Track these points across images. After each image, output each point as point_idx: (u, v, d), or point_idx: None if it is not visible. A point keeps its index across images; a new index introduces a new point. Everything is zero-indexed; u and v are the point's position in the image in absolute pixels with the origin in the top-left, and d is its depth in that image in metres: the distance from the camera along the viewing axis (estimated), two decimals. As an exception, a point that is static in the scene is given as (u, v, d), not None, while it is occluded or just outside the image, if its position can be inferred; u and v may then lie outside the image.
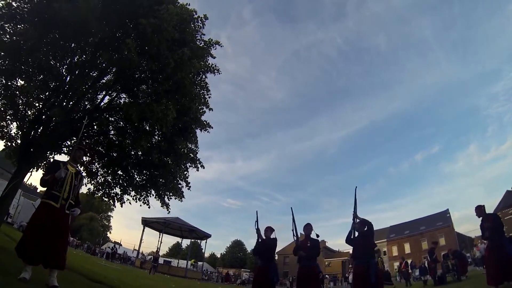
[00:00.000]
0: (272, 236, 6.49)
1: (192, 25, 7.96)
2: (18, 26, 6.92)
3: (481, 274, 10.95)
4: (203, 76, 8.77)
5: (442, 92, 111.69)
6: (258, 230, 6.52)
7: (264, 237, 6.45)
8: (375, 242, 6.11)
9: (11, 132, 8.20)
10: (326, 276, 42.73)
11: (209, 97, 8.88)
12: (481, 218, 7.06)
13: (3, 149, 8.37)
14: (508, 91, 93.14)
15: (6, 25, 6.80)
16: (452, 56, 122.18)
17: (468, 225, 62.23)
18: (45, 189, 4.30)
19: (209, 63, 8.61)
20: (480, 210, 7.10)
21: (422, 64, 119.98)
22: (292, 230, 6.17)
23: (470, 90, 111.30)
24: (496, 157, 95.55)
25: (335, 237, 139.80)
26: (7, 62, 6.93)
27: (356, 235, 5.72)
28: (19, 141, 7.99)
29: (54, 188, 4.14)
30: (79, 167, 5.10)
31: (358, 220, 5.71)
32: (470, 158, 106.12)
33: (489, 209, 7.23)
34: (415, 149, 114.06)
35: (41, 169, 8.48)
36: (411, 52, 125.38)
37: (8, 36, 6.84)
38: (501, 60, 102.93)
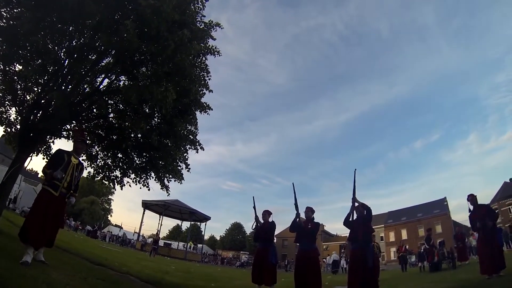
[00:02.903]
0: (270, 219, 6.58)
1: (192, 7, 7.79)
2: (15, 10, 6.77)
3: (476, 262, 11.12)
4: (203, 58, 8.62)
5: (443, 79, 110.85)
6: (256, 218, 6.62)
7: (262, 221, 6.54)
8: (373, 227, 6.17)
9: (11, 118, 8.16)
10: (324, 260, 43.45)
11: (209, 79, 8.77)
12: (471, 208, 7.12)
13: (2, 135, 8.35)
14: (510, 82, 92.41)
15: (2, 10, 6.66)
16: (454, 43, 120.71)
17: (465, 213, 62.79)
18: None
19: (209, 45, 8.46)
20: (473, 198, 7.15)
21: (424, 50, 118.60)
22: (295, 204, 6.21)
23: (471, 79, 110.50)
24: (495, 148, 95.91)
25: (334, 221, 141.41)
26: (4, 47, 6.82)
27: (354, 218, 5.75)
28: (18, 126, 7.95)
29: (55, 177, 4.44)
30: (82, 156, 5.26)
31: (357, 204, 5.75)
32: (469, 147, 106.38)
33: (487, 199, 7.24)
34: (415, 135, 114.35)
35: (41, 153, 8.48)
36: (412, 38, 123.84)
37: (4, 21, 6.71)
38: (504, 50, 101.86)
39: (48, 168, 4.47)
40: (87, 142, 5.61)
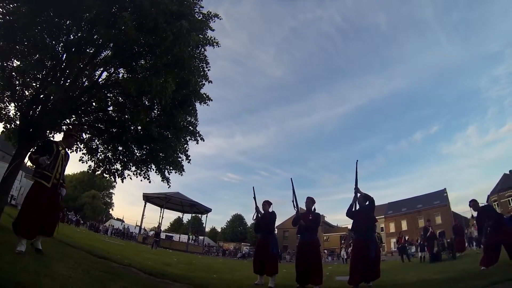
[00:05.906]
0: (270, 209, 6.57)
1: (190, -2, 7.72)
2: (11, 5, 6.68)
3: (475, 254, 11.18)
4: (202, 49, 8.55)
5: (442, 72, 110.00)
6: (257, 208, 6.60)
7: (262, 211, 6.54)
8: (374, 217, 6.16)
9: (10, 114, 8.12)
10: (325, 250, 43.78)
11: (209, 70, 8.71)
12: (474, 214, 7.16)
13: (2, 131, 8.34)
14: (510, 74, 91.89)
15: None
16: (453, 37, 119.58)
17: (464, 205, 62.82)
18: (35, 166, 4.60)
19: (208, 36, 8.35)
20: (475, 204, 7.19)
21: (422, 44, 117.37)
22: (292, 201, 6.21)
23: (471, 72, 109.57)
24: (495, 140, 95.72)
25: (334, 212, 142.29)
26: (1, 42, 6.78)
27: (357, 208, 5.76)
28: (18, 122, 7.91)
29: (46, 169, 4.48)
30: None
31: (360, 195, 5.74)
32: (468, 140, 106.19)
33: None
34: (414, 128, 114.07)
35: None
36: (411, 32, 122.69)
37: (0, 16, 6.64)
38: (504, 43, 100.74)
39: (35, 154, 4.48)
40: (76, 138, 5.67)
